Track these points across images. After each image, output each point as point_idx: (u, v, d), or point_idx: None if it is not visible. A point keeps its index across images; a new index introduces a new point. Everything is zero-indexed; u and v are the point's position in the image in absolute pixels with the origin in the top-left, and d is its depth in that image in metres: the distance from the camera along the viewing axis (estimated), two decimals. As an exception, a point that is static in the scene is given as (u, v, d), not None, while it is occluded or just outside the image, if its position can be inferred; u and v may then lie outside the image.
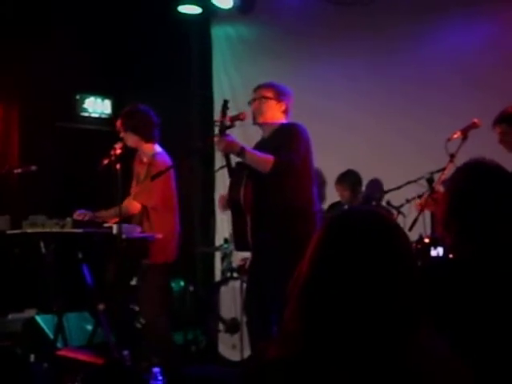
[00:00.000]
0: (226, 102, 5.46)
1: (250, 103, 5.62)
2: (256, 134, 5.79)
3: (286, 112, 5.59)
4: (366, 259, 1.72)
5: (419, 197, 6.01)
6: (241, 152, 5.22)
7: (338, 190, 7.52)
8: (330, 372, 1.65)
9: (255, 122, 5.59)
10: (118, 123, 6.28)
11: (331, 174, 7.61)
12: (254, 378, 1.73)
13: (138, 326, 6.63)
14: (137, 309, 6.68)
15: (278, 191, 5.25)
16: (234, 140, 5.29)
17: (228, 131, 5.37)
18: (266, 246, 5.25)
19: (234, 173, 5.40)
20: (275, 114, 5.55)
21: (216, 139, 5.37)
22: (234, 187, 5.36)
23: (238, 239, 5.45)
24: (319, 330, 1.70)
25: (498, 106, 6.00)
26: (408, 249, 1.81)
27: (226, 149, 5.31)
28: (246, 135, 6.19)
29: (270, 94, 5.55)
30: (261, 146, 5.57)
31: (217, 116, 7.16)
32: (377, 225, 1.79)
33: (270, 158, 5.21)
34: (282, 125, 5.54)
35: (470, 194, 2.53)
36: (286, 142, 5.33)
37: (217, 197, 8.87)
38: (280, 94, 5.59)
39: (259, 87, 5.65)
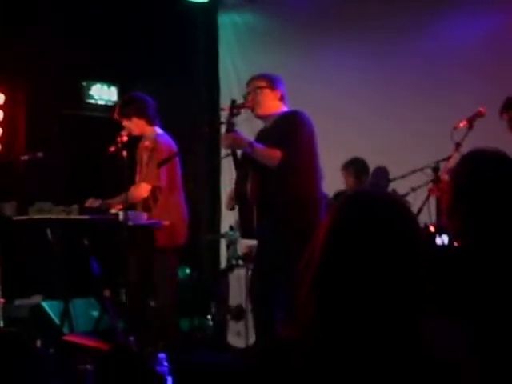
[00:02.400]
0: (233, 102, 5.45)
1: (245, 97, 5.59)
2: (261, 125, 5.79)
3: (282, 99, 5.57)
4: (379, 241, 1.72)
5: (428, 183, 6.01)
6: (248, 147, 5.23)
7: (343, 176, 7.51)
8: (346, 355, 1.67)
9: (255, 114, 5.59)
10: (118, 113, 6.29)
11: (335, 165, 7.61)
12: (267, 358, 1.74)
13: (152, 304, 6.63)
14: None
15: (282, 181, 5.26)
16: (241, 136, 5.29)
17: (234, 119, 5.38)
18: (271, 233, 5.27)
19: (240, 166, 5.40)
20: (273, 102, 5.54)
21: (223, 136, 5.38)
22: (240, 181, 5.37)
23: (244, 227, 5.47)
24: (334, 314, 1.71)
25: (503, 96, 6.00)
26: (418, 231, 1.82)
27: (233, 145, 5.32)
28: (251, 127, 6.18)
29: (263, 84, 5.54)
30: (263, 135, 5.57)
31: (223, 104, 7.18)
32: (388, 207, 1.80)
33: (276, 152, 5.21)
34: (284, 113, 5.52)
35: (473, 182, 2.54)
36: (290, 132, 5.32)
37: (222, 184, 8.90)
38: (273, 82, 5.57)
39: (251, 79, 5.65)
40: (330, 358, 1.67)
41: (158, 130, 6.32)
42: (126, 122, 6.24)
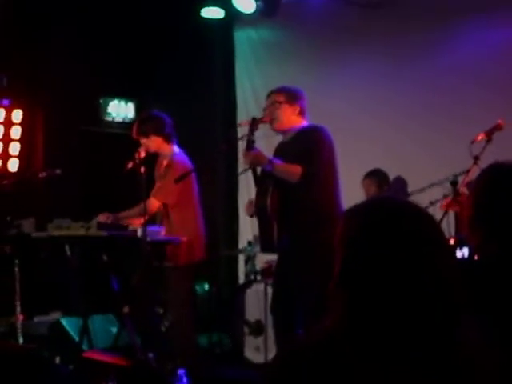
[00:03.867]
0: (254, 119, 5.43)
1: (264, 110, 5.58)
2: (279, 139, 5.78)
3: (302, 113, 5.54)
4: (405, 250, 1.71)
5: (445, 197, 5.99)
6: (268, 164, 5.22)
7: (365, 186, 7.49)
8: (373, 361, 1.67)
9: (273, 129, 5.58)
10: (136, 131, 6.31)
11: (351, 179, 7.58)
12: (288, 366, 1.74)
13: (163, 328, 6.65)
14: (161, 311, 6.70)
15: (303, 197, 5.24)
16: (260, 153, 5.27)
17: (255, 134, 5.37)
18: (291, 248, 5.26)
19: (260, 182, 5.39)
20: (291, 117, 5.51)
21: (244, 153, 5.36)
22: (260, 196, 5.35)
23: (265, 241, 5.45)
24: (362, 326, 1.71)
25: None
26: (442, 236, 1.82)
27: (253, 162, 5.31)
28: (269, 142, 6.18)
29: (281, 99, 5.51)
30: (282, 149, 5.55)
31: (240, 119, 7.18)
32: (413, 214, 1.79)
33: (297, 168, 5.19)
34: (303, 128, 5.50)
35: (493, 195, 2.54)
36: (310, 147, 5.30)
37: (240, 199, 8.90)
38: (292, 97, 5.54)
39: (270, 93, 5.62)
40: (357, 364, 1.66)
41: (175, 149, 6.34)
42: (143, 140, 6.26)
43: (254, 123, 5.36)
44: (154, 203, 6.20)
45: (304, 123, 5.52)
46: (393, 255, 1.71)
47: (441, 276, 1.72)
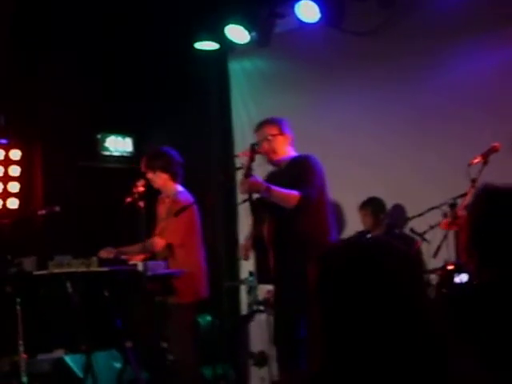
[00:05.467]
0: (253, 146, 5.47)
1: (256, 145, 5.60)
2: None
3: (291, 144, 5.66)
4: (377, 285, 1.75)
5: (444, 216, 5.99)
6: (266, 191, 5.24)
7: (361, 216, 7.50)
8: None
9: (271, 162, 5.61)
10: (145, 165, 6.36)
11: (348, 206, 7.59)
12: None
13: (167, 362, 6.62)
14: (165, 345, 6.68)
15: (296, 224, 5.29)
16: (258, 180, 5.31)
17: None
18: (287, 277, 5.27)
19: (257, 210, 5.41)
20: (284, 148, 5.63)
21: (241, 181, 5.39)
22: (257, 225, 5.38)
23: (261, 272, 5.48)
24: (345, 370, 1.73)
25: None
26: (420, 275, 1.83)
27: (251, 190, 5.34)
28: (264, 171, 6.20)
29: (274, 131, 5.59)
30: (274, 178, 5.59)
31: (237, 149, 7.21)
32: (382, 252, 1.82)
33: (295, 193, 5.24)
34: (294, 158, 5.56)
35: (488, 218, 2.54)
36: (302, 175, 5.36)
37: (240, 229, 8.89)
38: (282, 127, 5.65)
39: (261, 126, 5.68)
40: None
41: (179, 188, 6.37)
42: (150, 175, 6.31)
43: (254, 151, 5.40)
44: (159, 242, 6.22)
45: (293, 152, 5.59)
46: (372, 299, 1.73)
47: (421, 316, 1.75)
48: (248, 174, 5.32)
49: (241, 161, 5.56)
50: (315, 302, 1.82)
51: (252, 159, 5.39)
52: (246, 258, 5.64)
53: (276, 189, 5.32)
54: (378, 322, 1.71)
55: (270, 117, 5.77)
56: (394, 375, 1.68)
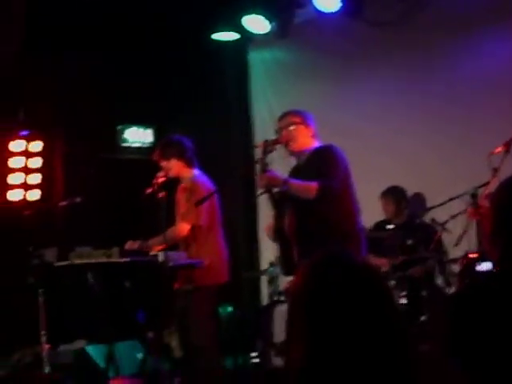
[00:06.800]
0: (266, 141, 5.43)
1: (277, 132, 5.59)
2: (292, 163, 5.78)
3: (314, 136, 5.59)
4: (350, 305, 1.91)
5: (470, 205, 5.96)
6: (284, 184, 5.23)
7: (383, 204, 7.48)
8: None
9: (290, 151, 5.57)
10: (158, 154, 6.36)
11: (369, 195, 7.55)
12: None
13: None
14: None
15: (320, 216, 5.26)
16: (275, 174, 5.29)
17: (269, 156, 5.37)
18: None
19: (277, 204, 5.39)
20: (306, 139, 5.54)
21: (258, 176, 5.37)
22: (278, 218, 5.36)
23: (285, 264, 5.45)
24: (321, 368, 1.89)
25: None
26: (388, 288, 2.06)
27: (269, 184, 5.31)
28: (284, 164, 6.18)
29: (297, 119, 5.54)
30: (297, 172, 5.56)
31: (257, 141, 7.20)
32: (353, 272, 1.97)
33: (313, 184, 5.21)
34: (316, 148, 5.52)
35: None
36: (325, 166, 5.32)
37: (260, 221, 8.89)
38: (306, 119, 5.58)
39: (285, 115, 5.64)
40: None
41: (196, 172, 6.37)
42: (164, 163, 6.30)
43: (267, 145, 5.37)
44: (184, 227, 6.20)
45: (316, 144, 5.55)
46: (348, 307, 1.90)
47: (391, 322, 1.92)
48: (264, 168, 5.30)
49: (260, 152, 5.53)
50: (299, 307, 1.99)
51: (265, 153, 5.36)
52: (274, 239, 5.58)
53: (294, 182, 5.30)
54: (354, 329, 1.88)
55: (295, 109, 5.74)
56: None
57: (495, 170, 5.56)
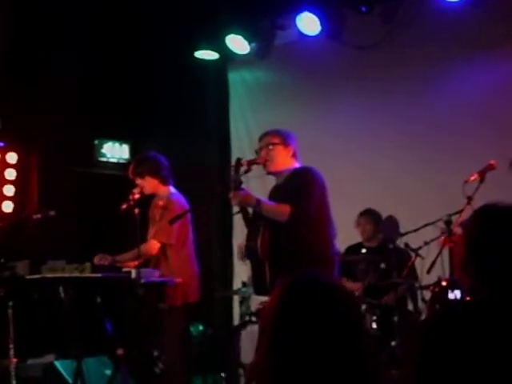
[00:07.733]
0: (239, 160, 5.47)
1: (257, 152, 5.60)
2: (272, 182, 5.79)
3: (294, 156, 5.59)
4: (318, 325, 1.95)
5: (442, 233, 6.00)
6: (256, 204, 5.24)
7: (361, 224, 7.49)
8: None
9: (268, 171, 5.59)
10: (132, 171, 6.35)
11: (346, 216, 7.57)
12: None
13: (157, 371, 6.60)
14: (156, 353, 6.66)
15: (293, 237, 5.26)
16: (248, 193, 5.31)
17: (245, 176, 5.39)
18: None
19: (251, 222, 5.41)
20: (285, 159, 5.55)
21: (231, 194, 5.37)
22: (251, 237, 5.37)
23: (258, 284, 5.45)
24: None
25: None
26: (356, 317, 2.09)
27: (242, 202, 5.33)
28: (262, 184, 6.19)
29: (276, 140, 5.55)
30: (275, 192, 5.59)
31: (234, 161, 7.21)
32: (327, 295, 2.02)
33: (286, 207, 5.22)
34: (296, 169, 5.54)
35: (486, 236, 2.53)
36: (301, 188, 5.34)
37: (235, 240, 8.88)
38: (286, 139, 5.59)
39: (264, 135, 5.66)
40: None
41: (172, 190, 6.37)
42: (139, 181, 6.29)
43: (241, 164, 5.39)
44: (154, 245, 6.20)
45: (296, 165, 5.56)
46: (321, 330, 1.93)
47: (362, 347, 1.96)
48: (237, 186, 5.31)
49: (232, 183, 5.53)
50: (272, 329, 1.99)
51: (238, 172, 5.38)
52: (242, 259, 5.59)
53: (266, 203, 5.32)
54: (322, 355, 1.91)
55: (276, 128, 5.75)
56: None
57: (469, 198, 5.60)
